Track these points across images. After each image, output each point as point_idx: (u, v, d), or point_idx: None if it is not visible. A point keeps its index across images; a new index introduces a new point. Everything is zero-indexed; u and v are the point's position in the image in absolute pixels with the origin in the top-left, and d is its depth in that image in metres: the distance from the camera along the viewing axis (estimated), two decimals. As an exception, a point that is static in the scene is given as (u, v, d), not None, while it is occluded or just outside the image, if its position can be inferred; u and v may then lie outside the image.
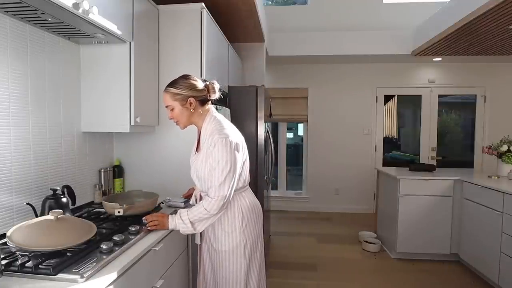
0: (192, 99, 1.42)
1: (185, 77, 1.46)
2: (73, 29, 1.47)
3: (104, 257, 1.10)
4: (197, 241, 1.59)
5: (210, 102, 1.51)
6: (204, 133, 1.45)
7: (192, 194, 1.70)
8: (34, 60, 1.48)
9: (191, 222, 1.40)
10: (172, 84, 1.44)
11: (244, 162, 1.51)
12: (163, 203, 1.79)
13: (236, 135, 1.46)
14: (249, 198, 1.55)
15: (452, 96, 5.03)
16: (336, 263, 3.16)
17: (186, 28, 2.07)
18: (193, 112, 1.44)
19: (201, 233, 1.56)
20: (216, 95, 1.50)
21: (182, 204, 1.74)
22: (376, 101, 5.06)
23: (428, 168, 3.44)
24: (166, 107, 1.45)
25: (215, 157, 1.37)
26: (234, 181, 1.40)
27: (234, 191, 1.44)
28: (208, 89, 1.46)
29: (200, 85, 1.45)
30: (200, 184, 1.52)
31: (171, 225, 1.42)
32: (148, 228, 1.41)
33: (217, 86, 1.49)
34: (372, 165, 5.04)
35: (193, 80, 1.45)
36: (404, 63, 4.89)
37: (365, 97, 5.06)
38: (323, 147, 5.14)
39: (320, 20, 4.73)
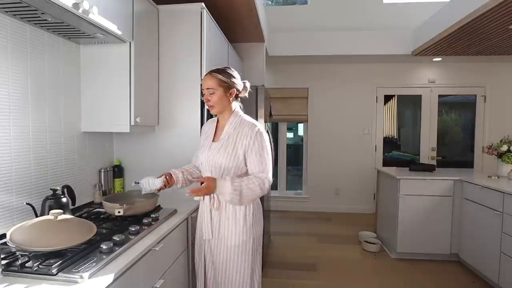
0: (234, 90, 1.54)
1: (230, 69, 1.56)
2: (73, 29, 1.47)
3: (104, 257, 1.10)
4: (209, 236, 1.53)
5: (239, 99, 1.62)
6: (234, 122, 1.54)
7: (170, 178, 1.60)
8: (34, 60, 1.48)
9: (240, 192, 1.38)
10: (220, 71, 1.53)
11: None
12: (136, 183, 1.56)
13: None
14: None
15: (452, 96, 5.03)
16: (336, 263, 3.16)
17: (186, 28, 2.07)
18: (229, 101, 1.55)
19: (211, 228, 1.54)
20: (246, 94, 1.62)
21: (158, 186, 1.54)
22: (376, 101, 5.06)
23: (428, 168, 3.44)
24: (207, 89, 1.51)
25: (263, 145, 1.49)
26: None
27: None
28: (243, 86, 1.59)
29: (240, 80, 1.58)
30: (214, 173, 1.52)
31: (220, 189, 1.39)
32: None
33: (248, 85, 1.61)
34: (372, 165, 5.03)
35: (236, 74, 1.57)
36: (404, 63, 4.89)
37: (365, 97, 5.05)
38: (323, 147, 5.14)
39: (320, 20, 4.73)
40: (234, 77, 1.55)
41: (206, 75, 1.54)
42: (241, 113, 1.60)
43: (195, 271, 1.70)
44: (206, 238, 1.56)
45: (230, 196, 1.39)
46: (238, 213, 1.52)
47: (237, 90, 1.56)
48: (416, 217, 3.15)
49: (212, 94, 1.51)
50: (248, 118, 1.58)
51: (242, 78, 1.62)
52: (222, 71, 1.53)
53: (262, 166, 1.47)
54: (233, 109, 1.58)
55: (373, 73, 5.00)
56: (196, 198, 1.49)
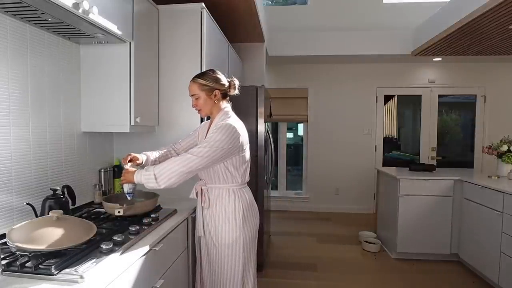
0: (217, 91, 1.55)
1: (213, 71, 1.59)
2: (73, 29, 1.47)
3: (104, 257, 1.10)
4: (200, 233, 1.61)
5: (229, 98, 1.64)
6: (215, 122, 1.54)
7: (133, 160, 1.55)
8: (34, 60, 1.48)
9: (154, 174, 1.37)
10: (201, 75, 1.56)
11: (245, 158, 1.57)
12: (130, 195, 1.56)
13: (242, 132, 1.54)
14: (248, 195, 1.63)
15: (452, 96, 5.03)
16: (336, 263, 3.16)
17: (186, 28, 2.07)
18: (216, 103, 1.56)
19: (203, 226, 1.59)
20: (236, 92, 1.62)
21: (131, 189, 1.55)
22: (376, 101, 5.06)
23: (428, 168, 3.44)
24: (192, 95, 1.56)
25: (215, 131, 1.44)
26: (214, 158, 1.42)
27: (236, 185, 1.55)
28: (230, 85, 1.60)
29: (224, 80, 1.59)
30: (202, 172, 1.55)
31: (136, 179, 1.42)
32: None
33: (237, 83, 1.62)
34: (372, 165, 5.03)
35: (219, 74, 1.59)
36: (404, 63, 4.89)
37: (365, 97, 5.05)
38: (323, 147, 5.14)
39: (320, 20, 4.73)
40: (216, 79, 1.55)
41: (190, 81, 1.57)
42: (231, 113, 1.58)
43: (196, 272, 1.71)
44: (199, 235, 1.64)
45: (143, 180, 1.38)
46: (227, 211, 1.54)
47: (221, 90, 1.56)
48: (416, 217, 3.15)
49: (197, 99, 1.55)
50: (231, 118, 1.54)
51: (242, 79, 1.63)
52: (202, 75, 1.56)
53: (199, 146, 1.42)
54: (220, 110, 1.58)
55: (373, 73, 5.00)
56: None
